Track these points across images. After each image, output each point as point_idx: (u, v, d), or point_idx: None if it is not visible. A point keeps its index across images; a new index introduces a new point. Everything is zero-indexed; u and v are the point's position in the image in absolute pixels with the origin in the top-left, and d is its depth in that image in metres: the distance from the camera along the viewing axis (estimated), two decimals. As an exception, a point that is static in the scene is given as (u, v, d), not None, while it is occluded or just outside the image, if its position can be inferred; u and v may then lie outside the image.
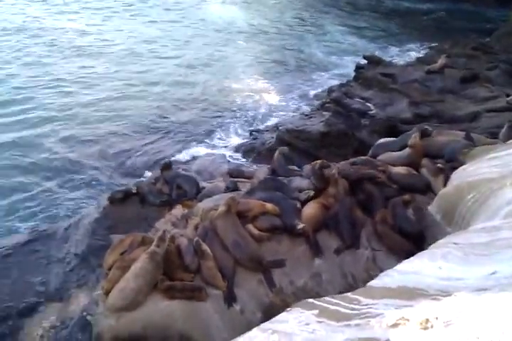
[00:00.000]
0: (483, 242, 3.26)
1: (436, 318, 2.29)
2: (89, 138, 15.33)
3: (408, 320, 2.35)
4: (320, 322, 2.79)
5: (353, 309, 2.75)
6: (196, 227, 6.43)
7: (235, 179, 8.64)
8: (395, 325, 2.39)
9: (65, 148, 14.67)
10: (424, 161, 7.83)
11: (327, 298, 2.98)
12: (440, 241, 3.51)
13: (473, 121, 12.98)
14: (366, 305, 2.75)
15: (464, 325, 2.20)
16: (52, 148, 14.68)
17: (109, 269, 5.89)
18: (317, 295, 6.07)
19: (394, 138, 8.96)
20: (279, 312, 5.86)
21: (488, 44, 20.29)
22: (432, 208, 4.91)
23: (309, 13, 32.07)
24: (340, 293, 6.17)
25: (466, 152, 7.65)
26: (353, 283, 6.33)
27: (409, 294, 2.73)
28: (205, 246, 5.85)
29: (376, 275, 6.34)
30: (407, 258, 6.42)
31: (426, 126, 9.06)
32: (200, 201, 8.05)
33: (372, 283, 3.14)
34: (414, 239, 6.62)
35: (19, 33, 24.78)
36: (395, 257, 6.49)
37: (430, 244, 6.68)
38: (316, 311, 2.86)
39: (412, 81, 15.67)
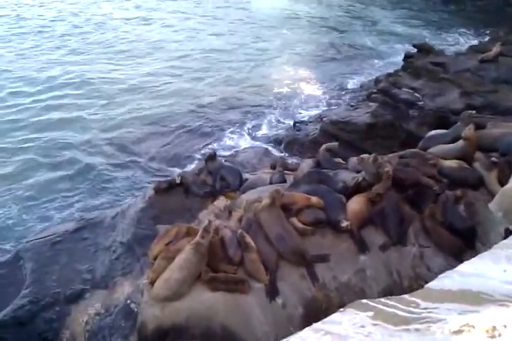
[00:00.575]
0: (555, 245, 3.03)
1: (505, 326, 2.12)
2: (131, 129, 15.62)
3: (473, 326, 2.19)
4: (375, 324, 2.65)
5: (411, 312, 2.60)
6: (240, 219, 6.39)
7: (281, 171, 8.52)
8: (458, 332, 2.24)
9: (109, 141, 14.98)
10: (478, 155, 7.48)
11: (382, 300, 2.84)
12: (504, 242, 3.29)
13: (530, 112, 12.27)
14: (425, 308, 2.60)
15: None
16: (98, 141, 15.01)
17: (155, 259, 5.95)
18: (361, 291, 5.99)
19: (445, 130, 8.59)
20: (321, 307, 5.87)
21: (548, 31, 19.13)
22: (493, 205, 4.63)
23: (358, 1, 31.24)
24: (385, 289, 6.12)
25: (523, 145, 7.27)
26: (398, 281, 6.17)
27: (473, 298, 2.56)
28: (248, 239, 5.81)
29: (423, 273, 6.24)
30: (456, 255, 6.28)
31: (470, 111, 8.63)
32: (244, 193, 8.03)
33: (431, 284, 2.97)
34: (464, 236, 6.38)
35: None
36: (443, 254, 6.31)
37: (482, 242, 6.49)
38: (371, 313, 2.73)
39: (464, 70, 14.97)
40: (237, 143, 14.04)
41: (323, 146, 8.22)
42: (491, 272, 2.83)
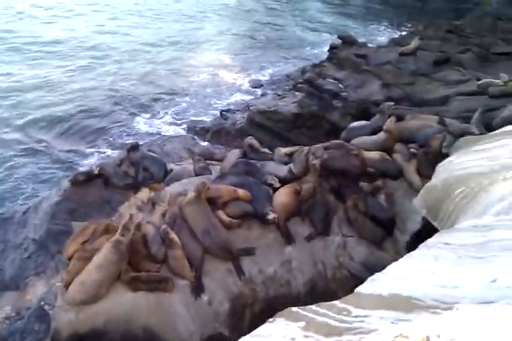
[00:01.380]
0: (477, 243, 3.07)
1: (438, 336, 2.08)
2: (45, 118, 14.66)
3: (407, 337, 2.13)
4: (307, 336, 2.53)
5: (343, 321, 2.50)
6: (164, 214, 6.11)
7: (205, 161, 8.29)
8: None
9: (19, 130, 13.94)
10: (398, 146, 7.71)
11: (313, 307, 2.73)
12: (430, 241, 3.31)
13: (444, 104, 12.90)
14: (357, 316, 2.51)
15: None
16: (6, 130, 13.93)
17: (70, 259, 5.52)
18: (286, 283, 5.98)
19: (366, 122, 8.78)
20: (248, 302, 5.78)
21: (461, 27, 20.25)
22: (417, 202, 4.72)
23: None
24: (310, 280, 6.16)
25: (439, 137, 7.57)
26: (322, 271, 6.26)
27: (405, 305, 2.51)
28: (173, 235, 5.56)
29: (346, 262, 6.35)
30: (378, 244, 6.45)
31: (388, 103, 8.94)
32: (168, 184, 7.72)
33: (361, 288, 2.91)
34: (385, 225, 6.57)
35: None
36: (365, 243, 6.47)
37: (400, 230, 6.72)
38: (303, 323, 2.60)
39: (385, 63, 15.45)
40: (160, 132, 13.55)
41: (246, 141, 8.03)
42: (419, 274, 2.82)
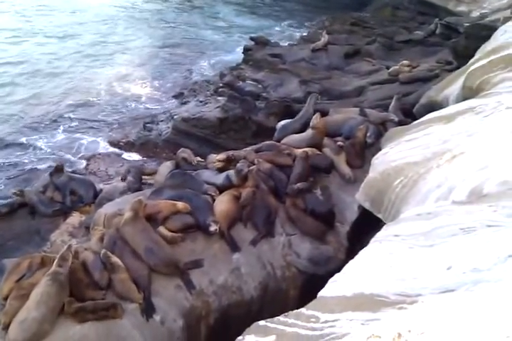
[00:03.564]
0: (424, 232, 3.17)
1: (409, 331, 2.11)
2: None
3: (380, 337, 2.14)
4: None
5: (313, 329, 2.46)
6: (101, 238, 5.82)
7: (137, 177, 8.01)
8: None
9: None
10: (326, 141, 7.90)
11: (281, 319, 2.67)
12: (380, 234, 3.38)
13: (360, 95, 13.51)
14: (326, 322, 2.49)
15: (439, 335, 2.05)
16: None
17: (6, 299, 5.12)
18: (238, 290, 5.93)
19: (293, 120, 8.93)
20: (201, 315, 5.67)
21: (365, 19, 21.26)
22: (359, 196, 4.83)
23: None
24: (261, 283, 6.17)
25: (362, 128, 7.87)
26: (272, 272, 6.27)
27: (370, 303, 2.52)
28: (114, 258, 5.31)
29: (293, 260, 6.41)
30: (320, 238, 6.58)
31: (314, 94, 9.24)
32: (100, 205, 7.39)
33: (324, 292, 2.89)
34: (325, 219, 6.70)
35: None
36: (308, 239, 6.56)
37: (339, 221, 6.90)
38: (273, 337, 2.52)
39: (299, 60, 15.91)
40: (82, 150, 12.91)
41: (179, 155, 7.86)
42: (377, 270, 2.86)
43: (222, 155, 7.32)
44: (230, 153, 7.45)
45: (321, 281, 3.51)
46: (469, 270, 2.58)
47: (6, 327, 4.82)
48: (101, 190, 8.11)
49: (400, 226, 3.41)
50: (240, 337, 2.72)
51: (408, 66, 13.36)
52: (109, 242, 5.64)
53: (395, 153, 4.69)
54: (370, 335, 2.19)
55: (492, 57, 6.48)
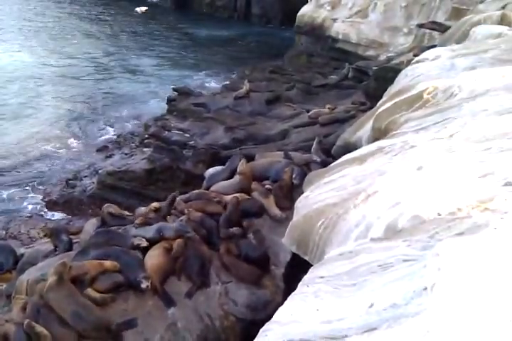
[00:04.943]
0: (346, 271, 3.27)
1: None
2: None
3: None
4: None
5: None
6: (24, 307, 5.44)
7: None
8: None
9: None
10: (254, 185, 8.07)
11: None
12: (306, 277, 3.43)
13: (285, 138, 14.03)
14: None
15: None
16: None
17: None
18: (175, 347, 5.70)
19: (222, 167, 9.07)
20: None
21: (282, 66, 22.39)
22: (286, 240, 4.91)
23: (110, 45, 31.04)
24: (199, 336, 5.99)
25: (288, 170, 8.13)
26: (210, 323, 6.16)
27: None
28: (39, 328, 4.98)
29: (231, 308, 6.32)
30: (256, 283, 6.56)
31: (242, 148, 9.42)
32: (22, 271, 6.93)
33: None
34: (259, 263, 6.74)
35: None
36: (245, 285, 6.53)
37: (274, 264, 6.95)
38: None
39: (223, 108, 16.35)
40: (4, 212, 12.17)
41: (104, 210, 7.65)
42: (305, 314, 2.88)
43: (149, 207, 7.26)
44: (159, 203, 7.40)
45: (259, 327, 3.50)
46: (389, 306, 2.68)
47: None
48: (22, 255, 7.63)
49: (324, 267, 3.51)
50: None
51: (329, 108, 14.15)
52: (33, 311, 5.30)
53: (315, 196, 4.88)
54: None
55: (396, 99, 7.04)
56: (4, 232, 9.87)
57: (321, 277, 3.31)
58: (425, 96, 6.66)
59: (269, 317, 3.42)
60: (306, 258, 4.37)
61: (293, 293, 3.30)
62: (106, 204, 7.58)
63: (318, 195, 4.81)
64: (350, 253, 3.57)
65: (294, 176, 8.16)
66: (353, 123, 9.96)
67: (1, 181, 14.08)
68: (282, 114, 15.78)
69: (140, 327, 5.61)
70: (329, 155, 9.55)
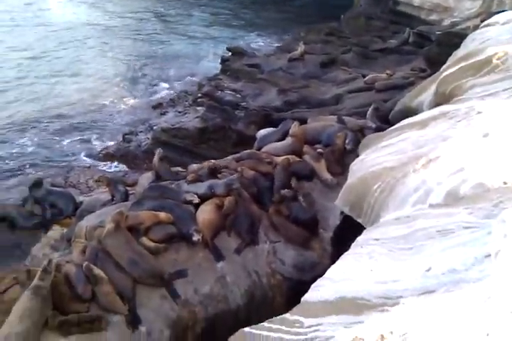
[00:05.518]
0: (403, 235, 3.25)
1: (391, 333, 2.16)
2: None
3: (363, 339, 2.18)
4: None
5: (297, 334, 2.48)
6: (83, 250, 5.77)
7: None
8: None
9: None
10: (305, 148, 8.00)
11: (265, 324, 2.69)
12: (360, 239, 3.44)
13: (338, 103, 13.72)
14: (310, 326, 2.52)
15: (421, 336, 2.11)
16: None
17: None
18: (224, 299, 5.93)
19: (274, 129, 9.02)
20: (188, 325, 5.65)
21: (339, 28, 21.62)
22: (339, 202, 4.89)
23: (164, 3, 31.00)
24: (247, 291, 6.18)
25: (341, 135, 8.00)
26: (257, 280, 6.28)
27: (353, 307, 2.56)
28: (97, 270, 5.27)
29: (278, 267, 6.45)
30: (304, 244, 6.64)
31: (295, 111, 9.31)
32: (81, 218, 7.32)
33: (307, 297, 2.92)
34: (308, 226, 6.77)
35: None
36: (292, 246, 6.59)
37: (323, 227, 6.98)
38: None
39: (276, 69, 16.11)
40: (66, 162, 12.78)
41: (155, 159, 7.86)
42: (358, 273, 2.90)
43: (201, 165, 7.37)
44: (212, 162, 7.49)
45: (306, 287, 3.57)
46: (448, 271, 2.66)
47: (-11, 343, 4.75)
48: (81, 203, 8.04)
49: (379, 230, 3.49)
50: (224, 346, 2.73)
51: (387, 74, 13.64)
52: (92, 254, 5.60)
53: (372, 159, 4.79)
54: (353, 338, 2.24)
55: (462, 64, 6.69)
56: (64, 181, 10.40)
57: (376, 239, 3.30)
58: (494, 61, 6.28)
59: (315, 279, 3.48)
60: (360, 220, 4.35)
61: (346, 253, 3.32)
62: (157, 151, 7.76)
63: (375, 158, 4.73)
64: (408, 217, 3.53)
65: (347, 141, 8.02)
66: (412, 89, 9.61)
67: (63, 132, 14.74)
68: (337, 78, 15.38)
69: (190, 277, 5.83)
70: (384, 122, 9.30)
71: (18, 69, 20.07)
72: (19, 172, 12.31)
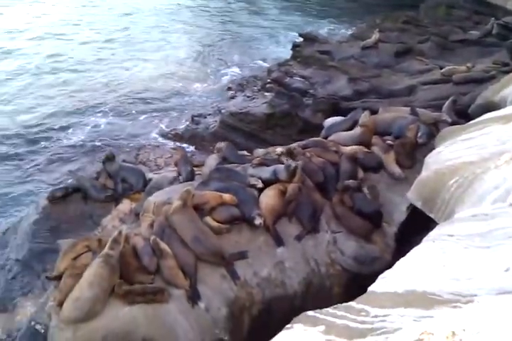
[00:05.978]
0: (480, 233, 3.12)
1: (464, 330, 2.09)
2: (18, 128, 14.24)
3: (432, 334, 2.13)
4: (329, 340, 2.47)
5: (363, 322, 2.46)
6: (151, 225, 6.02)
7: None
8: None
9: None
10: (374, 139, 7.82)
11: (330, 310, 2.69)
12: (433, 233, 3.34)
13: (411, 94, 13.22)
14: (376, 316, 2.49)
15: (495, 336, 2.03)
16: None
17: (59, 278, 5.40)
18: (281, 284, 5.98)
19: (342, 117, 8.87)
20: (245, 306, 5.77)
21: (417, 17, 20.73)
22: (411, 195, 4.75)
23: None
24: (304, 279, 6.20)
25: (413, 127, 7.73)
26: (316, 268, 6.27)
27: (423, 301, 2.51)
28: (163, 245, 5.49)
29: (338, 258, 6.40)
30: (366, 237, 6.53)
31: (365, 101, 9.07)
32: (149, 194, 7.61)
33: (374, 287, 2.89)
34: (372, 218, 6.64)
35: None
36: (354, 237, 6.50)
37: (387, 221, 6.83)
38: (322, 327, 2.53)
39: (348, 57, 15.75)
40: (137, 139, 13.34)
41: (223, 143, 7.98)
42: (430, 268, 2.82)
43: (266, 150, 7.41)
44: (277, 147, 7.51)
45: (364, 281, 3.51)
46: (528, 273, 2.53)
47: (60, 304, 5.09)
48: (150, 180, 8.34)
49: (454, 226, 3.36)
50: (288, 326, 2.76)
51: (467, 67, 12.95)
52: (159, 229, 5.83)
53: (449, 152, 4.59)
54: (422, 332, 2.18)
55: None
56: (135, 158, 10.85)
57: (450, 235, 3.18)
58: None
59: (375, 273, 3.41)
60: (432, 215, 4.20)
61: (416, 247, 3.23)
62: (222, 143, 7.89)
63: (453, 151, 4.53)
64: (486, 215, 3.37)
65: (419, 134, 7.75)
66: (494, 83, 9.08)
67: (136, 112, 15.36)
68: (411, 69, 14.79)
69: (250, 259, 5.92)
70: (461, 117, 8.88)
71: (97, 51, 20.98)
72: (93, 149, 12.98)
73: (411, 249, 3.57)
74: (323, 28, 23.84)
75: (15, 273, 7.41)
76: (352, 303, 2.73)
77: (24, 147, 13.48)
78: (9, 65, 19.06)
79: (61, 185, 8.94)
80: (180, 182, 7.51)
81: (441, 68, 13.84)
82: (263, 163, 7.17)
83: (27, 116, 15.17)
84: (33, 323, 6.42)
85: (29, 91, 16.98)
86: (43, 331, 6.18)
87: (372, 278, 3.42)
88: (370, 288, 2.97)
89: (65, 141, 13.66)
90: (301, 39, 17.77)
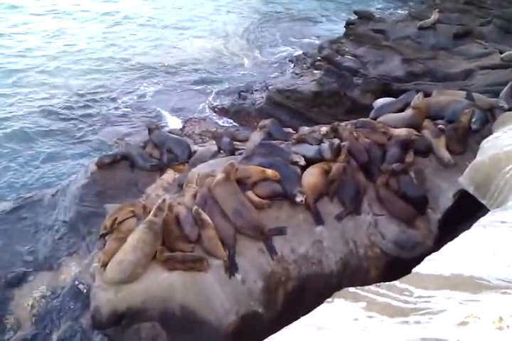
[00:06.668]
0: (535, 221, 3.01)
1: None
2: (69, 100, 14.67)
3: (478, 317, 2.08)
4: (370, 317, 2.45)
5: (406, 302, 2.43)
6: (194, 195, 6.12)
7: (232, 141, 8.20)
8: (463, 324, 2.09)
9: (44, 116, 13.99)
10: (426, 123, 7.56)
11: (372, 288, 2.67)
12: (484, 219, 3.23)
13: (467, 78, 12.67)
14: (420, 297, 2.45)
15: None
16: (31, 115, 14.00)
17: (105, 235, 5.65)
18: (318, 262, 5.98)
19: (393, 99, 8.62)
20: (281, 280, 5.83)
21: (481, -2, 19.62)
22: (463, 180, 4.59)
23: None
24: (342, 259, 6.18)
25: (468, 112, 7.42)
26: (354, 249, 6.23)
27: (470, 285, 2.44)
28: (205, 215, 5.58)
29: (378, 241, 6.33)
30: (409, 222, 6.40)
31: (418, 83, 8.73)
32: (193, 165, 7.71)
33: (419, 269, 2.84)
34: (417, 203, 6.49)
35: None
36: (396, 222, 6.40)
37: (431, 207, 6.66)
38: (364, 303, 2.52)
39: (404, 37, 15.16)
40: (183, 112, 13.49)
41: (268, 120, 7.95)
42: (479, 253, 2.74)
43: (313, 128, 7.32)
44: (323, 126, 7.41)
45: (403, 265, 3.44)
46: None
47: (104, 265, 5.30)
48: (195, 152, 8.44)
49: (508, 213, 3.23)
50: (329, 299, 2.76)
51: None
52: (201, 200, 5.92)
53: (508, 138, 4.38)
54: (468, 315, 2.12)
55: None
56: (181, 130, 11.00)
57: (503, 222, 3.07)
58: None
59: (415, 259, 3.32)
60: (484, 202, 4.05)
61: (465, 232, 3.14)
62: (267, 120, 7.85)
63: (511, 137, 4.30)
64: (543, 204, 3.22)
65: (473, 120, 7.43)
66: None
67: (183, 84, 15.49)
68: (470, 52, 14.10)
69: (289, 236, 5.94)
70: (519, 104, 8.44)
71: (146, 23, 21.14)
72: (142, 118, 13.24)
73: (453, 236, 3.47)
74: (379, 6, 23.02)
75: (62, 234, 7.75)
76: (395, 282, 2.69)
77: (78, 111, 13.90)
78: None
79: (110, 152, 9.17)
80: (222, 156, 7.56)
81: (501, 53, 13.15)
82: (302, 140, 7.10)
83: (81, 82, 15.59)
84: (76, 282, 6.76)
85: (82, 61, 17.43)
86: (85, 290, 6.50)
87: (410, 263, 3.36)
88: (414, 270, 2.92)
89: (115, 108, 14.00)
90: (356, 17, 17.21)
